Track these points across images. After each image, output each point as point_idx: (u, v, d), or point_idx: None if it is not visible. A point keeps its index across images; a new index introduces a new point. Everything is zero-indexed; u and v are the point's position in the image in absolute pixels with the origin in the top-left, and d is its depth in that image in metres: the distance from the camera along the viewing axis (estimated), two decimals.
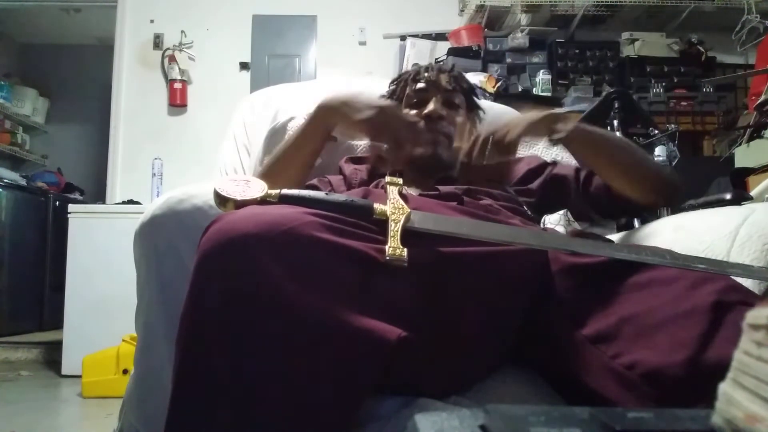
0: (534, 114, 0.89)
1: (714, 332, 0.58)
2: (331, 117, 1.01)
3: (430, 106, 1.06)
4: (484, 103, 1.31)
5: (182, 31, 3.71)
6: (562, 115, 0.90)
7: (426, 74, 1.10)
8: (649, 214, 1.10)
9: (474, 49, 3.27)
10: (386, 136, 1.00)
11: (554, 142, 0.89)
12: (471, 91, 1.18)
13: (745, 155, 2.41)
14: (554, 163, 1.10)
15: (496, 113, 1.42)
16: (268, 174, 1.00)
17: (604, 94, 2.36)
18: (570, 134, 0.88)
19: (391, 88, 1.18)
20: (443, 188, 0.94)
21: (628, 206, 0.96)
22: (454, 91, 1.11)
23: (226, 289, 0.57)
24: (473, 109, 1.18)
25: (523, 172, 1.09)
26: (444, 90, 1.08)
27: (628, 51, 3.45)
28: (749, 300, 0.61)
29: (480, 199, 0.92)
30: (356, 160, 1.15)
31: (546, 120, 0.89)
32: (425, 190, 0.95)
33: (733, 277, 0.66)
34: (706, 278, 0.64)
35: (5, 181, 3.66)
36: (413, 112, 1.08)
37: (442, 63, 2.87)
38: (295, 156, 1.04)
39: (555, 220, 1.30)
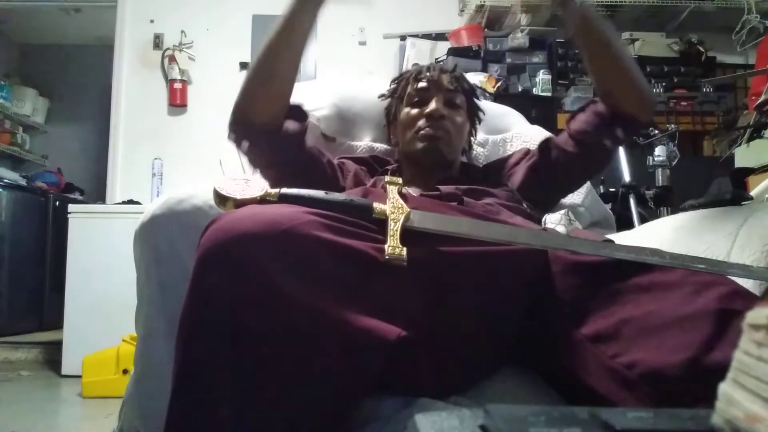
0: None
1: (717, 337, 0.58)
2: None
3: (432, 105, 1.06)
4: (484, 103, 1.31)
5: (182, 31, 3.71)
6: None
7: (428, 74, 1.11)
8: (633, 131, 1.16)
9: (474, 49, 3.27)
10: None
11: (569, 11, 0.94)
12: (472, 92, 1.19)
13: (745, 155, 2.41)
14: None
15: (495, 113, 1.44)
16: (260, 65, 0.93)
17: None
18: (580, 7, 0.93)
19: (392, 86, 1.19)
20: (444, 188, 0.94)
21: (615, 120, 1.02)
22: (456, 91, 1.11)
23: (226, 289, 0.57)
24: (474, 110, 1.18)
25: (515, 161, 1.14)
26: (446, 90, 1.09)
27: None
28: (753, 305, 0.61)
29: (480, 199, 0.92)
30: (353, 160, 1.15)
31: None
32: (426, 190, 0.96)
33: (733, 277, 0.66)
34: (709, 284, 0.63)
35: (5, 181, 3.65)
36: (414, 110, 1.08)
37: (443, 63, 2.86)
38: (288, 37, 0.92)
39: (555, 220, 1.30)
